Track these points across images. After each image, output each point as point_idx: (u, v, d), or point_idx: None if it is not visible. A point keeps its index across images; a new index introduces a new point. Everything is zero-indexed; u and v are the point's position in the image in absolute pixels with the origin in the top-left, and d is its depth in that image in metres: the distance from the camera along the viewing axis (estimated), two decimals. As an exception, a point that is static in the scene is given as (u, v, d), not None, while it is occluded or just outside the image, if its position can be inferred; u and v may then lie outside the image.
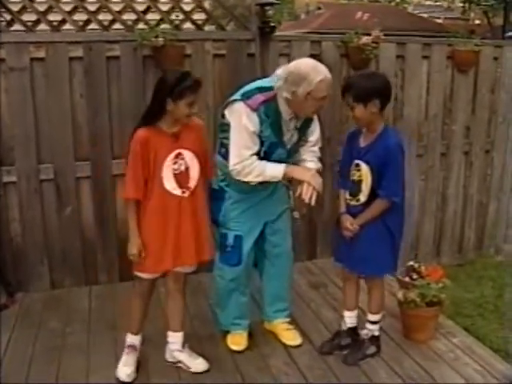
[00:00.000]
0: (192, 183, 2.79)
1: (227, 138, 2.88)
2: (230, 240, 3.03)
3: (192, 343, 3.10)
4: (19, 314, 3.60)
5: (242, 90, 2.87)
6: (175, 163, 2.74)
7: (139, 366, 2.96)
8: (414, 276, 3.46)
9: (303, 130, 2.98)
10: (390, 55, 4.40)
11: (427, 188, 4.73)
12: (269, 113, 2.81)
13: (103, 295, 3.82)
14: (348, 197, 3.00)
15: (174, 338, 3.00)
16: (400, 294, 3.31)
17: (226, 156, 2.92)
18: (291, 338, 3.22)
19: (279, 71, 2.82)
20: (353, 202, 2.97)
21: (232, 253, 3.03)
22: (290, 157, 3.00)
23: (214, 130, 4.04)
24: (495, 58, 4.78)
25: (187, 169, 2.77)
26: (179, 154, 2.75)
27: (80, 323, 3.47)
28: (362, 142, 2.94)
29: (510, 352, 3.37)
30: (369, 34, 4.21)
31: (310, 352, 3.15)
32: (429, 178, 4.72)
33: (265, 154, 2.90)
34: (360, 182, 2.92)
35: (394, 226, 2.99)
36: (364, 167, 2.89)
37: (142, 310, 2.96)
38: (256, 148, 2.84)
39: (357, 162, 2.93)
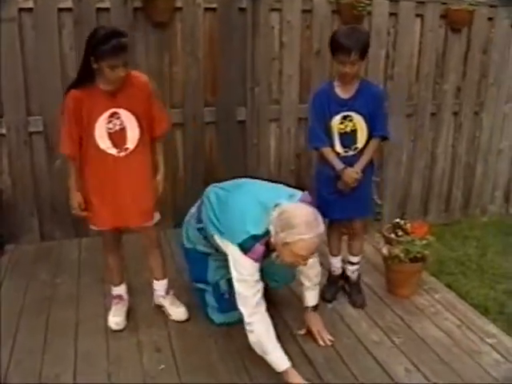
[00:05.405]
0: (130, 144, 2.74)
1: (204, 229, 2.87)
2: (224, 287, 2.99)
3: (181, 295, 3.18)
4: (9, 265, 3.65)
5: (232, 232, 2.56)
6: (109, 122, 2.68)
7: (128, 316, 3.04)
8: (400, 233, 3.52)
9: None
10: (383, 12, 4.33)
11: (416, 147, 4.72)
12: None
13: (93, 247, 3.83)
14: (341, 150, 3.04)
15: (158, 286, 3.11)
16: (385, 250, 3.39)
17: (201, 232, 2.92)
18: None
19: (275, 213, 2.49)
20: (350, 153, 3.04)
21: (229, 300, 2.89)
22: None
23: (205, 84, 4.06)
24: (490, 19, 4.71)
25: (123, 129, 2.71)
26: (114, 113, 2.69)
27: (70, 275, 3.53)
28: (343, 95, 3.00)
29: (490, 308, 3.46)
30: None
31: (296, 307, 3.15)
32: (418, 138, 4.71)
33: None
34: (354, 131, 3.00)
35: (375, 163, 3.28)
36: (356, 117, 2.98)
37: (115, 260, 3.04)
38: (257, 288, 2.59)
39: (345, 113, 2.98)
